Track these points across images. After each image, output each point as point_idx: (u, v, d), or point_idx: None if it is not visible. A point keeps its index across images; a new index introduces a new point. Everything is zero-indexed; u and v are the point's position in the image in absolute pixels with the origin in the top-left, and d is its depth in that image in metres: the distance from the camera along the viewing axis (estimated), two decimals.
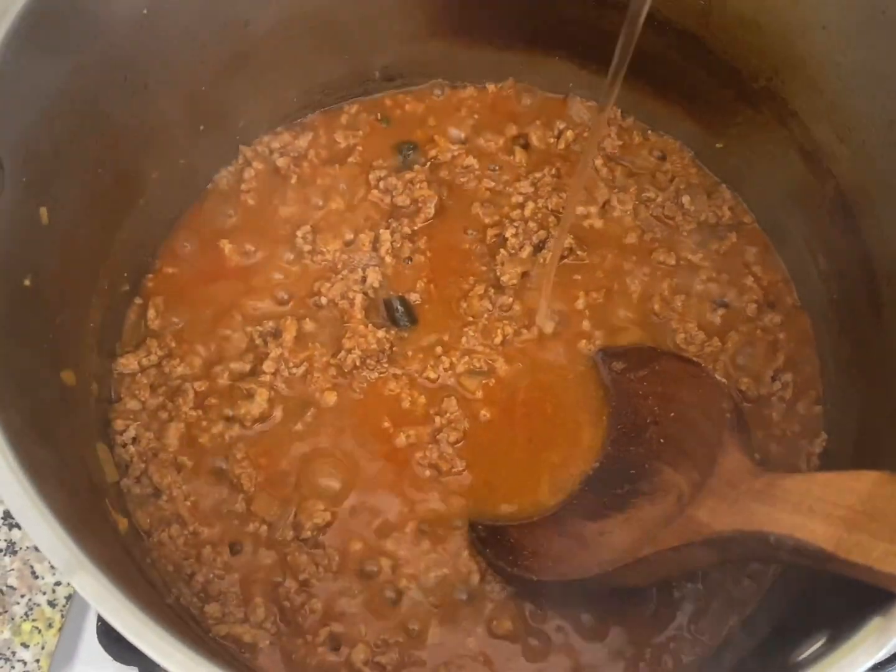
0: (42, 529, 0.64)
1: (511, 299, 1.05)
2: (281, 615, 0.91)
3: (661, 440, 0.95)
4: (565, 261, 1.08)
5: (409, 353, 1.03)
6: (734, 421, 0.88)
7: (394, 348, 1.02)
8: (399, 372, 1.01)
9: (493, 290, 1.06)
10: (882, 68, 0.87)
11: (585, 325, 1.05)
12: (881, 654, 0.61)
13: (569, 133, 1.14)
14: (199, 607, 0.91)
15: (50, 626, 1.05)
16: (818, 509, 0.68)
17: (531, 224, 1.09)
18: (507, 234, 1.08)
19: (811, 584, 0.82)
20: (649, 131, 1.16)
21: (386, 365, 1.02)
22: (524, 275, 1.07)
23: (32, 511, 0.64)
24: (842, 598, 0.69)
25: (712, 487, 0.82)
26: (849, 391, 0.99)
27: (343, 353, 1.01)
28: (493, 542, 0.94)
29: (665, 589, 0.93)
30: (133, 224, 1.01)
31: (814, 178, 1.00)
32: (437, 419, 0.99)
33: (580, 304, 1.06)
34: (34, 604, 1.06)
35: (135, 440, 0.98)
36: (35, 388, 0.81)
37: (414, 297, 1.06)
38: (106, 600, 0.61)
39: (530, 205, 1.10)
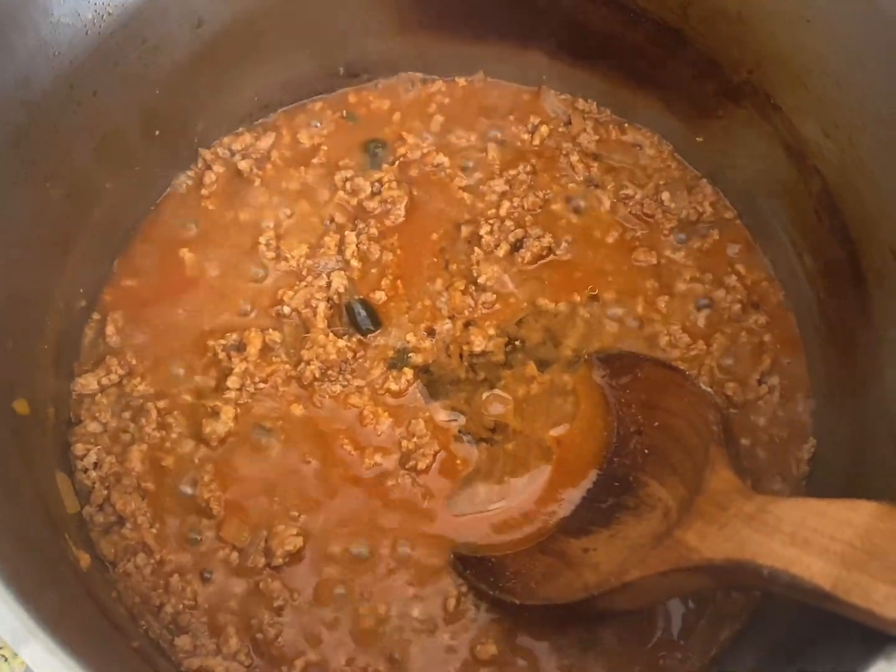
0: None
1: (494, 296, 1.02)
2: (254, 646, 0.88)
3: (646, 451, 0.92)
4: (544, 260, 1.04)
5: (369, 364, 0.99)
6: (721, 434, 0.85)
7: (357, 356, 0.98)
8: (362, 383, 0.98)
9: (473, 287, 1.02)
10: (871, 62, 0.83)
11: (566, 328, 1.01)
12: None
13: (543, 128, 1.10)
14: (168, 640, 0.87)
15: (17, 654, 1.01)
16: (814, 542, 0.65)
17: (507, 223, 1.05)
18: (482, 233, 1.04)
19: (802, 609, 0.79)
20: (626, 124, 1.12)
21: (349, 377, 0.98)
22: (502, 275, 1.03)
23: None
24: (840, 631, 0.66)
25: (700, 508, 0.78)
26: (838, 394, 0.96)
27: (302, 365, 0.97)
28: (474, 562, 0.91)
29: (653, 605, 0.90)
30: (88, 237, 0.97)
31: (799, 175, 0.97)
32: (405, 443, 0.95)
33: (561, 306, 1.02)
34: None
35: (96, 465, 0.94)
36: None
37: (379, 295, 1.01)
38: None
39: (506, 203, 1.06)
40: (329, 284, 1.01)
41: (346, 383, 0.97)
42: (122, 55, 0.90)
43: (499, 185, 1.07)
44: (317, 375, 0.97)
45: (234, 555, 0.91)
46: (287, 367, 0.98)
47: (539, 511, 0.94)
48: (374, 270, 1.03)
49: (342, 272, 1.02)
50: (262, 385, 0.97)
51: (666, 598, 0.87)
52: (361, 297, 1.01)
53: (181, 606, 0.88)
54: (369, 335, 1.00)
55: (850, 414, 0.94)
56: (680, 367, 0.98)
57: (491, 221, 1.05)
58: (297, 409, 0.97)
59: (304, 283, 1.01)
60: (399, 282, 1.03)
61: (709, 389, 0.96)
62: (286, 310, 1.00)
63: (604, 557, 0.85)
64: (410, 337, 1.00)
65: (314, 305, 1.00)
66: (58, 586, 0.74)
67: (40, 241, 0.88)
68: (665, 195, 1.06)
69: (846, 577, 0.61)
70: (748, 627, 0.90)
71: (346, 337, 0.99)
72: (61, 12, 0.81)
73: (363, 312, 1.00)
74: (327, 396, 0.97)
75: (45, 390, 0.91)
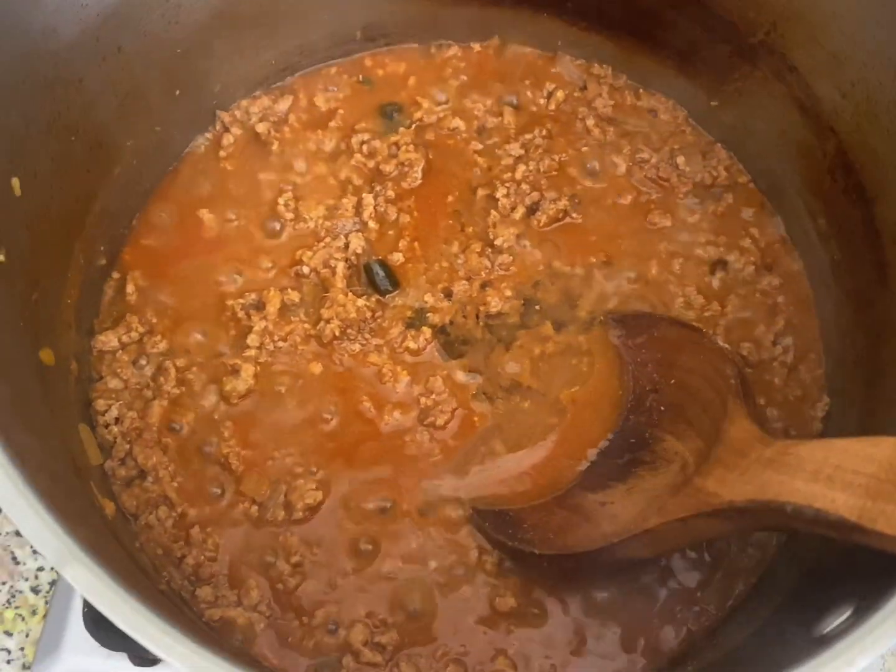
0: (31, 520, 0.60)
1: (511, 258, 1.02)
2: (275, 597, 0.88)
3: (662, 408, 0.92)
4: (560, 223, 1.05)
5: (388, 323, 0.99)
6: (738, 387, 0.85)
7: (376, 315, 0.99)
8: (381, 342, 0.98)
9: (490, 250, 1.03)
10: (886, 17, 0.83)
11: (582, 290, 1.02)
12: None
13: (559, 93, 1.11)
14: (190, 591, 0.88)
15: (34, 613, 1.02)
16: (837, 478, 0.66)
17: (524, 186, 1.05)
18: (499, 195, 1.05)
19: (822, 554, 0.80)
20: (641, 90, 1.12)
21: (368, 336, 0.98)
22: (518, 237, 1.04)
23: (20, 501, 0.60)
24: (862, 568, 0.67)
25: (719, 456, 0.79)
26: (851, 354, 0.97)
27: (322, 323, 0.98)
28: (492, 515, 0.91)
29: (669, 558, 0.91)
30: (108, 195, 0.97)
31: (814, 136, 0.97)
32: (423, 400, 0.96)
33: (577, 268, 1.03)
34: (16, 591, 1.03)
35: (118, 420, 0.94)
36: (13, 369, 0.77)
37: (396, 257, 1.02)
38: (102, 593, 0.58)
39: (521, 167, 1.06)
40: (347, 245, 1.02)
41: (364, 342, 0.98)
42: (147, 10, 0.91)
43: (514, 149, 1.08)
44: (336, 334, 0.97)
45: (254, 508, 0.91)
46: (306, 325, 0.99)
47: (556, 467, 0.95)
48: (391, 232, 1.04)
49: (360, 233, 1.03)
50: (281, 343, 0.98)
51: (685, 544, 0.88)
52: (379, 258, 1.02)
53: (202, 558, 0.89)
54: (387, 296, 1.01)
55: (862, 373, 0.95)
56: None
57: (507, 185, 1.05)
58: (317, 367, 0.97)
59: (322, 244, 1.02)
60: (416, 243, 1.03)
61: (726, 346, 0.97)
62: (305, 270, 1.01)
63: (621, 509, 0.86)
64: (428, 297, 1.01)
65: (333, 266, 1.00)
66: (90, 527, 0.75)
67: (64, 195, 0.89)
68: (680, 159, 1.07)
69: (871, 507, 0.62)
70: (763, 581, 0.91)
71: (364, 297, 1.00)
72: None
73: (381, 273, 1.01)
74: (346, 355, 0.98)
75: (68, 345, 0.92)
